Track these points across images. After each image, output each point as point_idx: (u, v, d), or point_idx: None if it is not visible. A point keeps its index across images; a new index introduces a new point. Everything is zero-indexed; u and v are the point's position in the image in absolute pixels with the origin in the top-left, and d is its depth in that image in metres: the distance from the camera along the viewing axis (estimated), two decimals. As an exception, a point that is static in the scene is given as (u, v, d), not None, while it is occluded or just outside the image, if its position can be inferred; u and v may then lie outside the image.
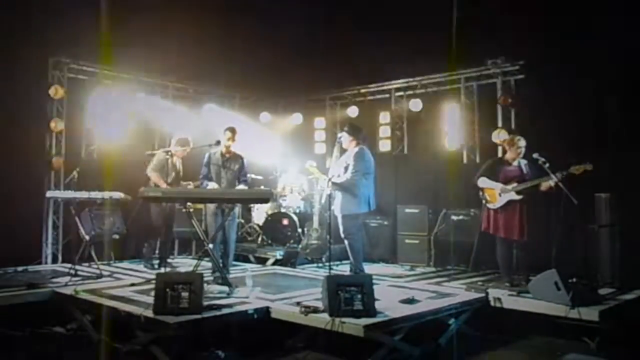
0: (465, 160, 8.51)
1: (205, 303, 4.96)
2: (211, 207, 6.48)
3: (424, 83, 9.05)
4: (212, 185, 6.40)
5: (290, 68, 9.59)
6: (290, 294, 5.83)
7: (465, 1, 8.22)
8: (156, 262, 7.64)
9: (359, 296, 4.80)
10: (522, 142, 6.26)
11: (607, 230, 6.48)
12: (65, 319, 5.65)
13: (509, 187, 6.20)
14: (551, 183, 5.87)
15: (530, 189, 6.08)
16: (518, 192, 6.15)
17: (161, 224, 7.56)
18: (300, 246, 8.40)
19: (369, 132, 8.89)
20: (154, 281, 4.96)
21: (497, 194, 6.28)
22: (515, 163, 6.33)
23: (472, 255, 7.15)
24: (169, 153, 7.31)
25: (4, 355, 5.00)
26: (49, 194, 7.30)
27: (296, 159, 9.31)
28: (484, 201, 6.43)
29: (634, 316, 5.47)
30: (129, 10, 8.19)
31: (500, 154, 7.89)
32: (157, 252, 8.14)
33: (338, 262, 7.66)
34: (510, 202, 6.20)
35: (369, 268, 7.14)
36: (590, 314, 5.07)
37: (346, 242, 6.59)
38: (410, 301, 5.42)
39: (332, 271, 6.22)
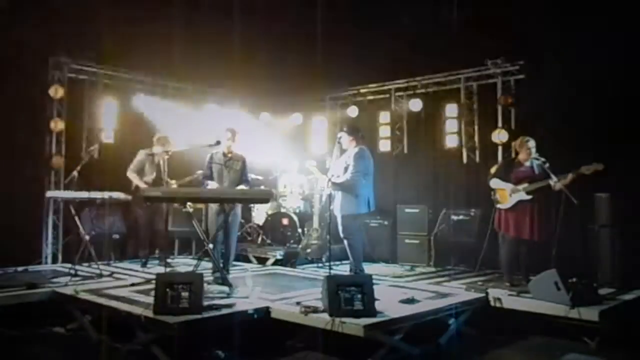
0: (465, 160, 8.51)
1: (205, 303, 4.95)
2: (213, 207, 6.48)
3: (424, 83, 9.05)
4: (212, 185, 6.40)
5: (290, 68, 9.59)
6: (290, 294, 5.82)
7: (466, 1, 8.22)
8: (149, 260, 7.71)
9: (359, 296, 4.80)
10: (532, 143, 6.29)
11: (607, 230, 6.50)
12: (65, 319, 5.65)
13: (520, 187, 6.22)
14: (551, 183, 5.89)
15: (543, 189, 6.09)
16: (528, 192, 6.17)
17: (147, 224, 7.60)
18: (300, 246, 8.39)
19: (369, 132, 8.90)
20: (154, 281, 4.96)
21: (507, 194, 6.32)
22: (527, 163, 6.34)
23: (481, 255, 7.14)
24: (168, 153, 7.40)
25: (4, 355, 4.99)
26: (49, 194, 7.30)
27: (296, 159, 9.31)
28: (495, 201, 6.46)
29: (634, 316, 5.47)
30: (129, 10, 8.19)
31: (500, 154, 7.92)
32: (157, 251, 8.19)
33: (338, 262, 7.66)
34: (520, 202, 6.23)
35: (369, 268, 7.13)
36: (590, 314, 5.07)
37: (346, 242, 6.59)
38: (410, 301, 5.41)
39: (332, 271, 6.21)
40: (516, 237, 6.29)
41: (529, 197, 6.18)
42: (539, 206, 6.19)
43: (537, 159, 6.11)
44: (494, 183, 6.46)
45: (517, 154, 6.56)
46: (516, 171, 6.36)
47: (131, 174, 7.47)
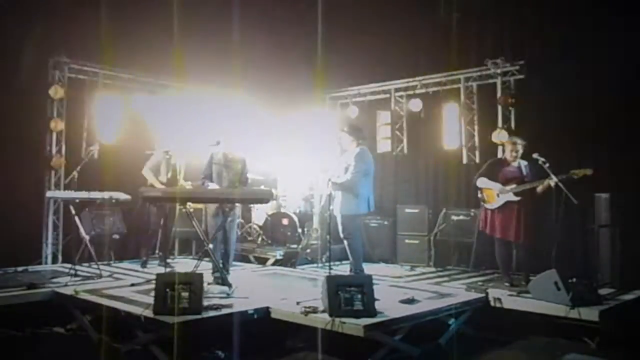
0: (465, 160, 8.50)
1: (205, 303, 4.96)
2: (212, 207, 6.48)
3: (424, 83, 9.04)
4: (212, 186, 6.41)
5: (290, 68, 9.59)
6: (290, 294, 5.82)
7: (466, 1, 8.22)
8: (149, 260, 7.71)
9: (359, 296, 4.80)
10: (520, 143, 6.27)
11: (607, 230, 6.49)
12: (65, 319, 5.65)
13: (508, 187, 6.20)
14: (551, 183, 5.87)
15: (529, 190, 6.08)
16: (516, 194, 6.15)
17: (158, 223, 7.60)
18: (300, 246, 8.40)
19: (369, 132, 8.89)
20: (154, 281, 4.97)
21: (495, 194, 6.29)
22: (515, 164, 6.32)
23: (472, 255, 7.17)
24: (168, 153, 7.43)
25: (4, 355, 5.00)
26: (49, 194, 7.30)
27: (296, 159, 9.31)
28: (482, 201, 6.44)
29: (634, 316, 5.47)
30: (128, 10, 8.19)
31: (500, 154, 7.91)
32: (157, 251, 8.18)
33: (338, 262, 7.65)
34: (507, 203, 6.20)
35: (369, 268, 7.13)
36: (590, 314, 5.07)
37: (345, 242, 6.58)
38: (410, 301, 5.42)
39: (332, 271, 6.22)
40: (502, 239, 6.28)
41: (517, 198, 6.15)
42: (525, 208, 6.15)
43: (537, 159, 6.07)
44: (481, 182, 6.41)
45: (504, 152, 6.57)
46: (504, 171, 6.33)
47: (147, 173, 7.47)
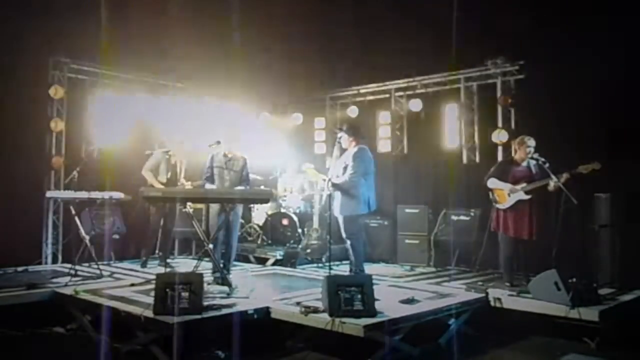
0: (465, 160, 8.50)
1: (205, 303, 4.96)
2: (215, 207, 6.47)
3: (424, 83, 9.04)
4: (209, 186, 6.41)
5: (290, 68, 9.59)
6: (290, 294, 5.83)
7: (465, 1, 8.22)
8: (149, 260, 7.71)
9: (359, 296, 4.80)
10: (532, 142, 6.29)
11: (607, 230, 6.50)
12: (65, 319, 5.65)
13: (518, 187, 6.22)
14: (551, 183, 5.89)
15: (539, 189, 6.10)
16: (527, 192, 6.17)
17: (157, 223, 7.60)
18: (300, 246, 8.39)
19: (369, 132, 8.89)
20: (154, 281, 4.97)
21: (506, 194, 6.31)
22: (524, 163, 6.35)
23: (480, 256, 7.16)
24: (168, 153, 7.43)
25: (4, 355, 5.00)
26: (49, 194, 7.30)
27: (296, 159, 9.31)
28: (493, 201, 6.45)
29: (634, 316, 5.47)
30: (129, 10, 8.19)
31: (500, 154, 7.92)
32: (157, 251, 8.18)
33: (338, 262, 7.65)
34: (519, 202, 6.22)
35: (369, 268, 7.13)
36: (590, 314, 5.08)
37: (348, 242, 6.55)
38: (410, 301, 5.42)
39: (332, 271, 6.22)
40: (515, 238, 6.29)
41: (528, 196, 6.18)
42: (537, 206, 6.19)
43: (537, 159, 6.10)
44: (491, 183, 6.43)
45: (514, 152, 6.58)
46: (514, 171, 6.35)
47: (146, 173, 7.44)
